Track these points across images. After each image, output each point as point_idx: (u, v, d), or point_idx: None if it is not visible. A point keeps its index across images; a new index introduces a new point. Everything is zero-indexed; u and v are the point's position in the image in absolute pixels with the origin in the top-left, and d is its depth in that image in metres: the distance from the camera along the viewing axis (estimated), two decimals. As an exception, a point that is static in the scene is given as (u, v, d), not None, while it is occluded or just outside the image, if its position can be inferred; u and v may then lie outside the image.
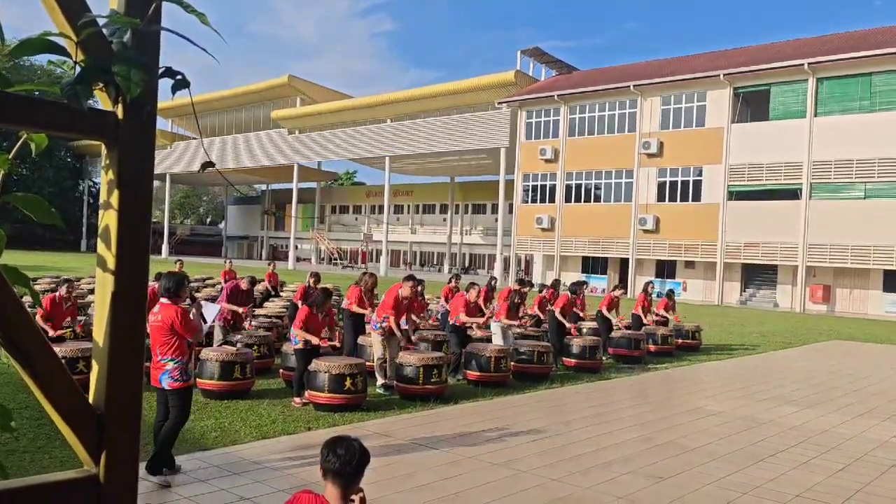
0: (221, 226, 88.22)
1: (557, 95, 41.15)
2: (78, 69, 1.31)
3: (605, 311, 14.06)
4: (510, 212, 45.38)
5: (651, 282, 16.55)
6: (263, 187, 78.87)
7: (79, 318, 11.27)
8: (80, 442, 1.37)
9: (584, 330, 14.06)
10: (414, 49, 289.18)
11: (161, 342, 5.74)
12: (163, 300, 5.86)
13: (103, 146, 1.41)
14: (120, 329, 1.40)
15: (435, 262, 64.40)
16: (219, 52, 1.41)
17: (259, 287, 16.95)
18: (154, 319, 5.77)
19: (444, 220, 63.03)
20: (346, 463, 2.65)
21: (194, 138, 67.66)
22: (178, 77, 1.41)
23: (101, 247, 1.42)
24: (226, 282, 15.75)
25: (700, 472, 6.38)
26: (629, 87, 38.33)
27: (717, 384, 11.60)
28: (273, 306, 15.83)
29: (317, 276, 13.53)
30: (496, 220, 48.53)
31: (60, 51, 1.31)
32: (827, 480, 6.32)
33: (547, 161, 42.07)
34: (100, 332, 1.42)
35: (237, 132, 64.21)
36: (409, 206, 67.85)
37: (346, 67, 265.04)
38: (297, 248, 62.18)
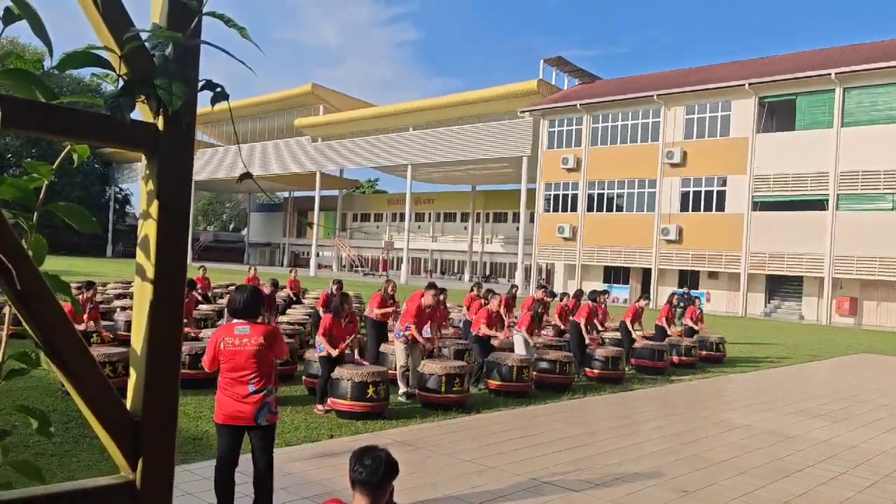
0: (244, 232, 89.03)
1: (580, 104, 41.06)
2: (121, 82, 1.34)
3: (629, 323, 13.95)
4: (532, 220, 45.29)
5: (676, 293, 16.41)
6: (286, 194, 79.54)
7: (102, 322, 11.41)
8: (118, 448, 1.39)
9: (607, 340, 13.97)
10: (437, 58, 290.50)
11: (257, 370, 4.76)
12: (243, 320, 4.91)
13: (143, 157, 1.44)
14: (158, 337, 1.42)
15: (456, 271, 64.40)
16: (248, 61, 1.44)
17: (281, 294, 17.05)
18: (245, 343, 4.78)
19: (466, 228, 63.06)
20: (373, 473, 2.66)
21: (219, 145, 68.44)
22: (218, 89, 1.44)
23: (139, 256, 1.44)
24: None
25: (726, 487, 6.30)
26: (652, 96, 38.15)
27: (743, 397, 11.46)
28: (295, 313, 15.91)
29: (339, 284, 13.58)
30: (517, 228, 48.43)
31: (105, 64, 1.33)
32: (856, 496, 6.21)
33: (569, 170, 41.95)
34: (138, 340, 1.44)
35: (261, 140, 64.86)
36: (430, 214, 67.99)
37: (368, 75, 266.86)
38: (318, 255, 62.52)
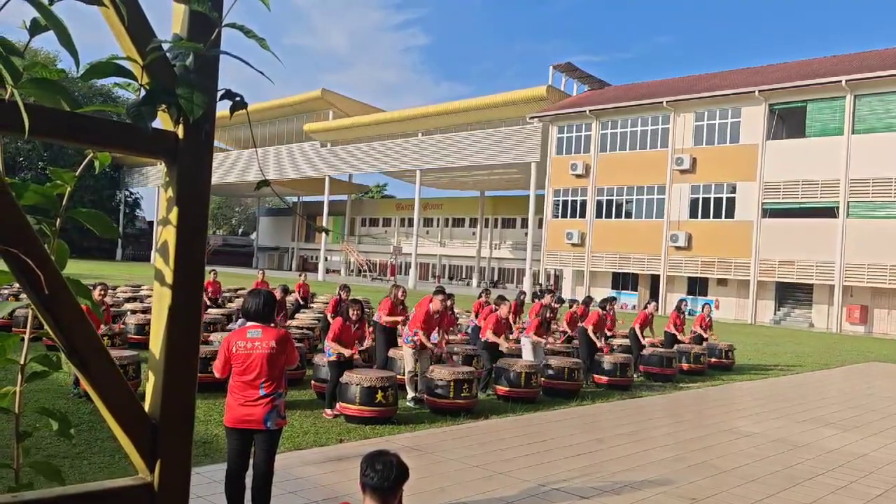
0: (253, 236, 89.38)
1: (589, 110, 41.06)
2: (142, 91, 1.36)
3: (638, 330, 13.91)
4: (540, 226, 45.29)
5: (685, 300, 16.38)
6: (295, 199, 79.84)
7: (113, 324, 11.50)
8: (136, 450, 1.42)
9: (616, 347, 13.94)
10: (446, 63, 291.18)
11: (268, 374, 4.78)
12: (256, 323, 4.93)
13: (163, 164, 1.47)
14: (176, 341, 1.44)
15: (464, 276, 64.42)
16: (258, 65, 1.47)
17: (290, 298, 17.09)
18: (256, 346, 4.79)
19: (474, 233, 63.11)
20: (385, 479, 2.68)
21: (229, 150, 68.76)
22: (237, 99, 1.47)
23: (158, 261, 1.47)
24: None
25: (735, 495, 6.27)
26: (662, 102, 38.12)
27: (752, 404, 11.41)
28: (304, 317, 15.94)
29: (347, 289, 13.62)
30: (526, 234, 48.49)
31: (127, 74, 1.36)
32: (866, 506, 6.18)
33: (578, 176, 41.94)
34: (156, 345, 1.46)
35: (271, 144, 65.14)
36: (438, 219, 68.08)
37: (377, 80, 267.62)
38: (327, 259, 62.65)
